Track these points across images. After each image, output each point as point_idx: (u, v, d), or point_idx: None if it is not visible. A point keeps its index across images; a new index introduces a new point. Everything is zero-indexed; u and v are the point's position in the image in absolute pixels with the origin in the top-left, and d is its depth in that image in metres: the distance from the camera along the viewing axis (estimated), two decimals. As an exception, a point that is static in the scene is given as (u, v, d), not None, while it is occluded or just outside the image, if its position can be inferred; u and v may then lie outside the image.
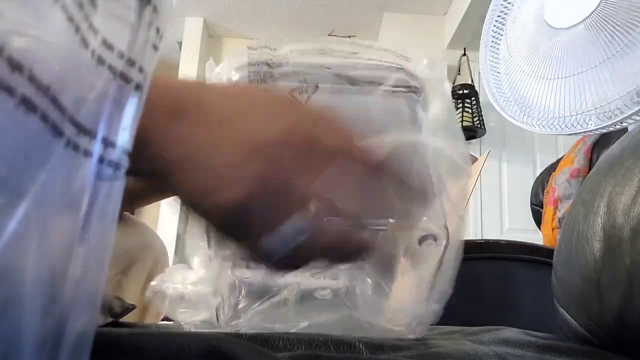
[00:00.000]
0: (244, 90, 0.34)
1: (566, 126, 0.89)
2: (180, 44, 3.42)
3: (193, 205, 0.30)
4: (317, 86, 0.40)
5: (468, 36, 2.94)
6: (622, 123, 0.81)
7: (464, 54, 3.01)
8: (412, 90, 0.43)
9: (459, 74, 3.00)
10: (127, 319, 0.79)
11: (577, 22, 0.85)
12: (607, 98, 0.82)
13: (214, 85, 0.34)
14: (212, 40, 3.50)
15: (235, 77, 0.42)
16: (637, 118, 0.79)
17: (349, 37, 3.31)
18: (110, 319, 0.41)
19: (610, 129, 0.84)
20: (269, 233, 0.29)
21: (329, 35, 3.22)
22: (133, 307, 0.43)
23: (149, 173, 0.31)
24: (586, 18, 0.84)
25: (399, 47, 0.44)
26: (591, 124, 0.84)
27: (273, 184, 0.29)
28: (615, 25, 0.81)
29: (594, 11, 0.83)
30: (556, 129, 0.90)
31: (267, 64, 0.41)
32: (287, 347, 0.32)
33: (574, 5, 0.86)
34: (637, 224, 0.36)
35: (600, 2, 0.82)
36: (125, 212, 0.76)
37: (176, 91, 0.30)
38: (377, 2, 3.10)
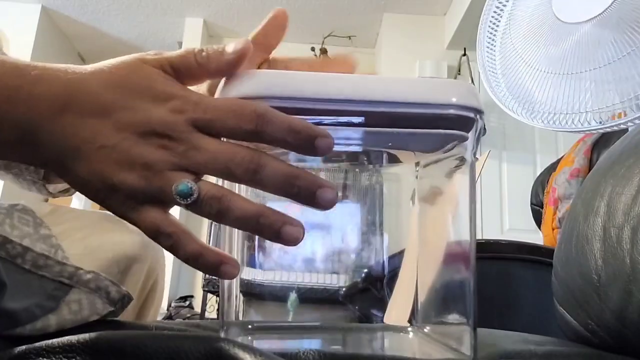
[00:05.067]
0: (127, 76, 0.32)
1: (567, 123, 0.88)
2: (180, 43, 3.42)
3: (85, 190, 0.31)
4: None
5: (468, 36, 2.95)
6: (625, 124, 0.80)
7: (464, 54, 3.02)
8: None
9: (459, 74, 3.01)
10: (125, 316, 0.79)
11: (587, 18, 0.83)
12: (607, 100, 0.81)
13: (97, 71, 0.33)
14: (212, 40, 3.50)
15: None
16: (638, 122, 0.78)
17: (349, 37, 3.30)
18: (110, 308, 0.41)
19: (609, 129, 0.84)
20: None
21: (329, 35, 3.22)
22: (130, 296, 0.42)
23: (44, 163, 0.31)
24: (598, 15, 0.82)
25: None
26: (592, 124, 0.83)
27: None
28: (628, 26, 0.79)
29: (607, 9, 0.80)
30: (556, 125, 0.89)
31: None
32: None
33: (585, 1, 0.84)
34: (637, 224, 0.36)
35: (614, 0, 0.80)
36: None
37: (62, 82, 0.30)
38: (377, 2, 3.10)
